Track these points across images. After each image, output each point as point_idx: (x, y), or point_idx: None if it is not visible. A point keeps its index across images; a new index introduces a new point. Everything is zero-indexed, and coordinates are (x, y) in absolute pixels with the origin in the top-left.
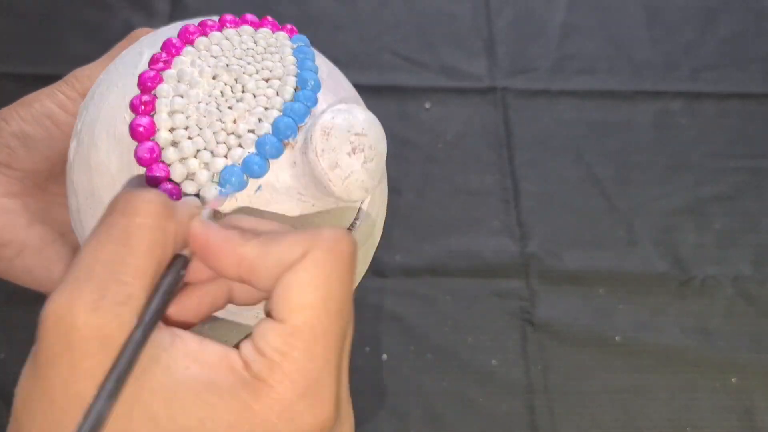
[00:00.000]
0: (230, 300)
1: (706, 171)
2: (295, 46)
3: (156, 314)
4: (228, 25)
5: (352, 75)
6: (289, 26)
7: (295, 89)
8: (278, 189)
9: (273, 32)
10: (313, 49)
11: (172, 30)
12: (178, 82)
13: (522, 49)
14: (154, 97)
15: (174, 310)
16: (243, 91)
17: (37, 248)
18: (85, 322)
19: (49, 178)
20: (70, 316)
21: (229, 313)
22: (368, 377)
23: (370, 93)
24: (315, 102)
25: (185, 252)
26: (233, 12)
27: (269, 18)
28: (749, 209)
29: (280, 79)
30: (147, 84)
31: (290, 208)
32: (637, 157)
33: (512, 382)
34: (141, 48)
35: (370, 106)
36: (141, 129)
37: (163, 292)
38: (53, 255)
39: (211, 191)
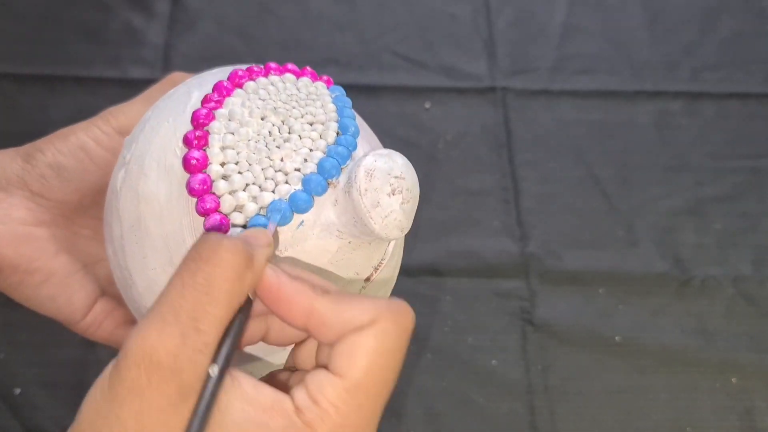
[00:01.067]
0: (263, 338)
1: (706, 171)
2: (333, 95)
3: (228, 361)
4: (272, 72)
5: (352, 75)
6: (325, 77)
7: (337, 134)
8: (319, 225)
9: (313, 82)
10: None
11: (215, 75)
12: (230, 120)
13: (522, 49)
14: (207, 132)
15: None
16: (289, 132)
17: (62, 277)
18: (168, 364)
19: (77, 210)
20: (156, 355)
21: (257, 349)
22: None
23: (370, 93)
24: (355, 146)
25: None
26: (234, 13)
27: (308, 68)
28: (749, 209)
29: (323, 124)
30: (200, 120)
31: (329, 243)
32: (637, 157)
33: (512, 382)
34: (189, 88)
35: (370, 106)
36: (194, 162)
37: (233, 340)
38: (76, 284)
39: (259, 221)
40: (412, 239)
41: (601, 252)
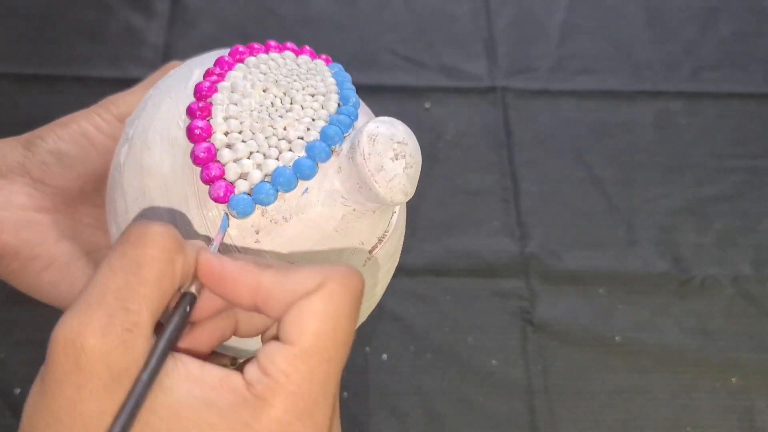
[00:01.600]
0: (234, 332)
1: (706, 171)
2: (332, 71)
3: (165, 351)
4: (272, 49)
5: (352, 75)
6: (324, 56)
7: (338, 105)
8: (323, 192)
9: (312, 59)
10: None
11: (214, 55)
12: (232, 92)
13: (522, 49)
14: (210, 104)
15: (187, 343)
16: (291, 103)
17: (65, 263)
18: (93, 346)
19: (78, 197)
20: (80, 339)
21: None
22: (368, 377)
23: (370, 93)
24: (357, 116)
25: (192, 289)
26: (234, 12)
27: (307, 47)
28: (749, 209)
29: (324, 95)
30: (203, 93)
31: (334, 210)
32: (637, 157)
33: (512, 382)
34: (190, 67)
35: (370, 106)
36: (198, 131)
37: (173, 329)
38: (78, 272)
39: (264, 188)
40: (412, 239)
41: (601, 252)
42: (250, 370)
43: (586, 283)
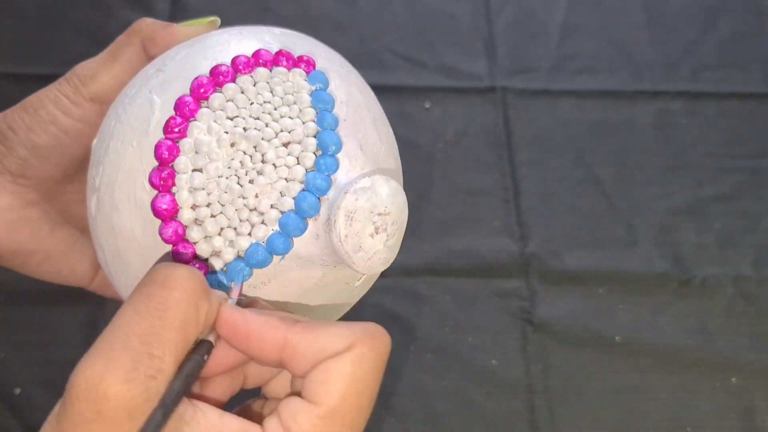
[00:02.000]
0: (242, 386)
1: (706, 171)
2: (313, 88)
3: (179, 395)
4: (241, 68)
5: None
6: (305, 58)
7: (315, 154)
8: (301, 258)
9: (288, 70)
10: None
11: (179, 64)
12: (196, 153)
13: (522, 49)
14: (173, 170)
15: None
16: (263, 161)
17: (62, 252)
18: (116, 393)
19: (63, 180)
20: (103, 385)
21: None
22: None
23: None
24: (336, 167)
25: (210, 338)
26: (234, 12)
27: (283, 51)
28: (749, 209)
29: (300, 143)
30: (164, 156)
31: (313, 271)
32: (637, 157)
33: (512, 382)
34: (150, 93)
35: None
36: (163, 209)
37: (187, 374)
38: (77, 254)
39: (238, 266)
40: (412, 239)
41: (601, 252)
42: (271, 424)
43: (586, 283)
